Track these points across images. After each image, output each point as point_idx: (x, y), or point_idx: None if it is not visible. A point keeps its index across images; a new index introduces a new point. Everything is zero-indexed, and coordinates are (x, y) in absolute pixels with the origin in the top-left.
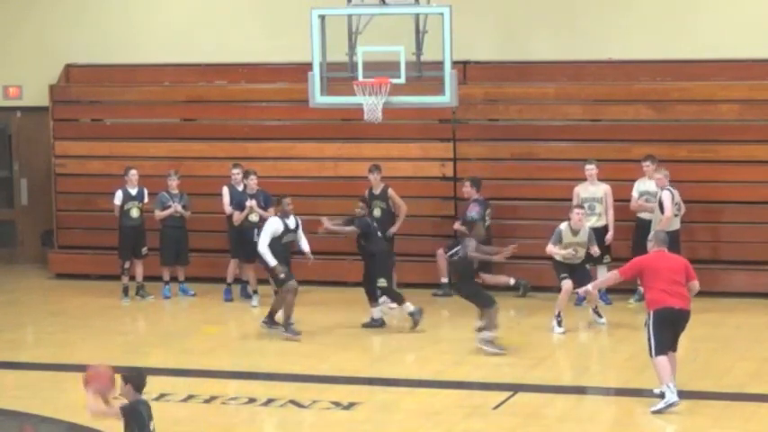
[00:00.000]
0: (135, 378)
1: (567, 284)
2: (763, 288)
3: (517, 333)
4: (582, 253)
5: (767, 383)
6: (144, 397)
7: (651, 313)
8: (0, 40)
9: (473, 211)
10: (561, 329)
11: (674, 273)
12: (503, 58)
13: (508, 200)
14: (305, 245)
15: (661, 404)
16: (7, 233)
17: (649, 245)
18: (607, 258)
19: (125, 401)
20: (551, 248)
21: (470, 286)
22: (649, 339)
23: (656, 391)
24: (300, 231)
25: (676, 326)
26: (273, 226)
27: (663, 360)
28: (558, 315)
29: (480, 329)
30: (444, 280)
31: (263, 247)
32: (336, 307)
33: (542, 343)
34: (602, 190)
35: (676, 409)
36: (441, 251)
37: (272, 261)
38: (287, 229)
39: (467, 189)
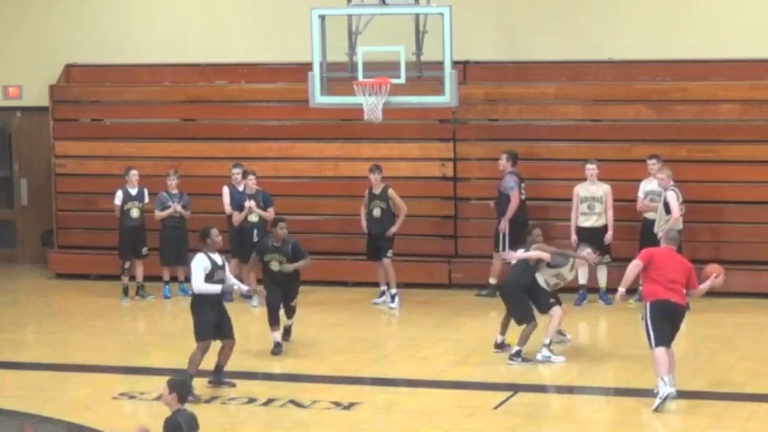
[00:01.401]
0: (181, 387)
1: (558, 309)
2: (764, 288)
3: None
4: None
5: (767, 383)
6: (187, 408)
7: (648, 305)
8: (0, 40)
9: (511, 182)
10: (561, 358)
11: (678, 272)
12: (503, 58)
13: None
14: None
15: (657, 400)
16: (7, 233)
17: (660, 237)
18: (607, 258)
19: (167, 415)
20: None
21: (521, 296)
22: (648, 331)
23: (656, 390)
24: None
25: (673, 320)
26: (201, 263)
27: (661, 351)
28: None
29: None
30: (493, 281)
31: (198, 284)
32: (336, 307)
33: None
34: (602, 190)
35: (676, 409)
36: (496, 253)
37: (214, 288)
38: (215, 266)
39: (502, 162)
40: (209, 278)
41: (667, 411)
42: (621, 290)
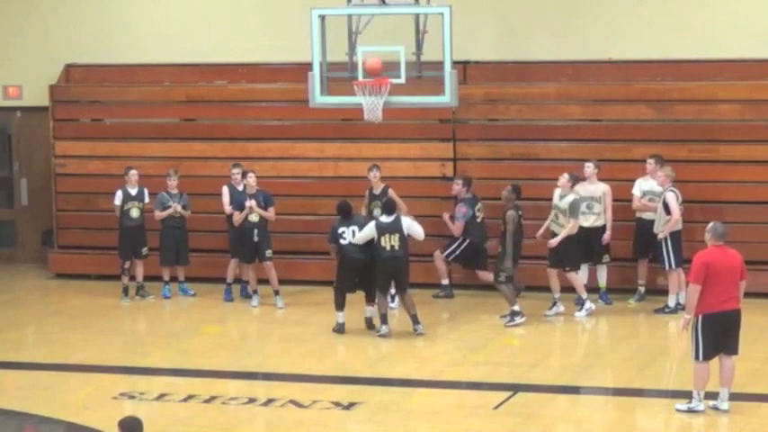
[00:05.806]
0: (131, 427)
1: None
2: (764, 288)
3: (517, 333)
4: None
5: (767, 383)
6: None
7: (700, 318)
8: (0, 40)
9: (459, 213)
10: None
11: (733, 273)
12: (503, 58)
13: None
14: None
15: (685, 407)
16: (7, 233)
17: (707, 238)
18: (606, 258)
19: None
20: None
21: None
22: (697, 344)
23: (692, 402)
24: None
25: (729, 329)
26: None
27: (703, 368)
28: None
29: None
30: (445, 281)
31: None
32: None
33: (542, 343)
34: (601, 189)
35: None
36: (437, 252)
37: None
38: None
39: (458, 188)
40: None
41: (667, 411)
42: (687, 317)
